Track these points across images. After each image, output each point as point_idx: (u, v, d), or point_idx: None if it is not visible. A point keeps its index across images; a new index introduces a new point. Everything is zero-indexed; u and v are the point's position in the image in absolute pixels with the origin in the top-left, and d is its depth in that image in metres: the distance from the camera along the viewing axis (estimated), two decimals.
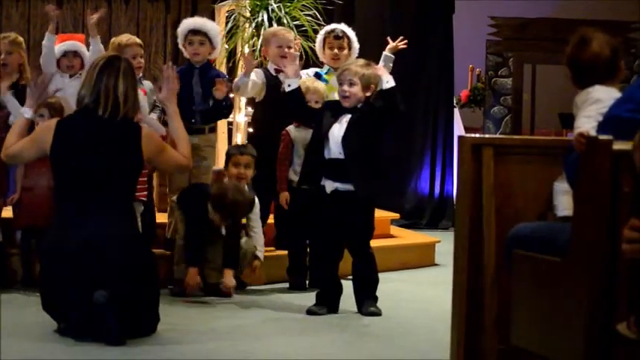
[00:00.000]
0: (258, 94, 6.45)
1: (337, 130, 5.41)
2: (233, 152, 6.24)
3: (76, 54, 6.56)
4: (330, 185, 5.43)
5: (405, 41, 6.59)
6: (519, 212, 3.85)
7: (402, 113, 5.56)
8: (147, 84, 6.67)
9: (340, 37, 6.56)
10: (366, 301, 5.46)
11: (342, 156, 5.38)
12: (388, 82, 5.45)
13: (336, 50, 6.55)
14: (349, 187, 5.38)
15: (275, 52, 6.48)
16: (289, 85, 5.55)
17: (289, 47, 6.42)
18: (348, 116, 5.42)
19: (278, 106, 6.21)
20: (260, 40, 7.21)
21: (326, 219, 5.44)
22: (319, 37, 6.66)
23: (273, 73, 6.47)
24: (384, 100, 5.43)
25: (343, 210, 5.39)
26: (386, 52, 6.53)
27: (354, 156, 5.37)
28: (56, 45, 6.61)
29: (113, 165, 4.72)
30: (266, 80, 6.42)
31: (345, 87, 5.43)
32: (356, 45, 6.63)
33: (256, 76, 6.39)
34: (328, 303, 5.48)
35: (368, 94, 5.47)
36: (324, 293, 5.51)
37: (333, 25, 6.72)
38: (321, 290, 5.54)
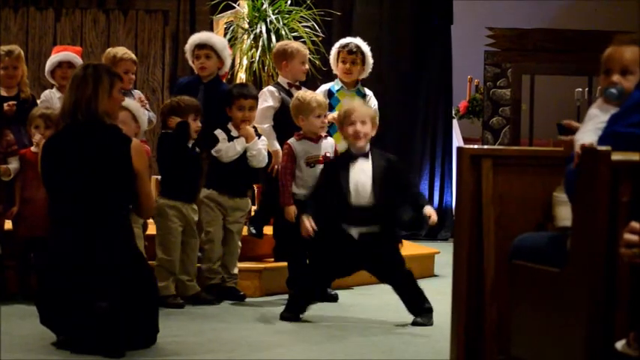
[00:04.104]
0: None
1: (359, 178, 5.45)
2: (237, 95, 6.19)
3: (70, 65, 6.57)
4: (355, 231, 5.44)
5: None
6: (518, 223, 3.85)
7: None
8: (136, 93, 6.67)
9: (354, 52, 6.63)
10: (420, 314, 5.53)
11: (368, 203, 5.41)
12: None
13: (348, 65, 6.59)
14: (375, 228, 5.43)
15: (298, 68, 6.54)
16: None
17: (307, 63, 6.62)
18: (364, 162, 5.48)
19: (286, 120, 6.24)
20: (259, 52, 7.25)
21: (352, 259, 5.50)
22: (334, 50, 6.73)
23: (286, 87, 6.52)
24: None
25: (372, 248, 5.45)
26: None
27: (383, 203, 5.42)
28: (52, 55, 6.67)
29: (103, 177, 4.71)
30: (280, 96, 6.46)
31: (359, 127, 5.47)
32: (370, 60, 6.67)
33: (272, 97, 6.46)
34: (300, 311, 5.56)
35: (374, 132, 5.59)
36: (301, 304, 5.57)
37: (348, 39, 6.76)
38: (300, 303, 5.58)
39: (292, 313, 5.56)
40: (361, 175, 5.45)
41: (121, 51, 6.61)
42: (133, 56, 6.65)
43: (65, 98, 4.88)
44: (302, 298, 5.60)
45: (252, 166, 6.22)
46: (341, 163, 5.57)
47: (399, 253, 5.58)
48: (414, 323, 5.47)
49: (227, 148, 6.12)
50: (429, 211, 5.44)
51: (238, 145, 6.13)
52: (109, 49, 6.72)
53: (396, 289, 5.58)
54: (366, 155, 5.50)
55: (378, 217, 5.43)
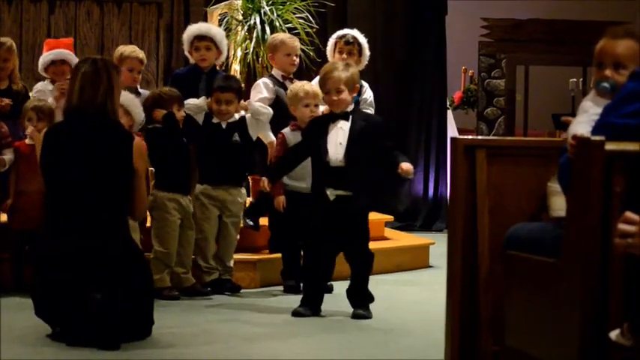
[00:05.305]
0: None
1: (337, 138, 5.43)
2: (215, 87, 6.16)
3: (63, 62, 6.57)
4: (332, 193, 5.43)
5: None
6: (513, 213, 3.85)
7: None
8: (145, 93, 6.66)
9: (351, 42, 6.65)
10: (358, 304, 5.49)
11: (342, 164, 5.39)
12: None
13: (345, 55, 6.60)
14: (350, 193, 5.40)
15: (284, 60, 6.57)
16: None
17: (296, 55, 6.62)
18: (344, 123, 5.45)
19: (281, 112, 6.24)
20: (253, 43, 7.23)
21: (329, 225, 5.44)
22: (331, 41, 6.74)
23: (280, 80, 6.56)
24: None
25: (346, 215, 5.40)
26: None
27: (357, 164, 5.38)
28: (44, 52, 6.66)
29: (103, 172, 4.71)
30: (274, 87, 6.49)
31: (334, 96, 5.45)
32: (367, 52, 6.69)
33: (267, 89, 6.49)
34: (314, 305, 5.49)
35: (354, 94, 5.57)
36: (313, 296, 5.52)
37: (345, 31, 6.79)
38: (310, 293, 5.54)
39: (307, 308, 5.48)
40: (340, 135, 5.44)
41: (129, 49, 6.61)
42: (141, 55, 6.59)
43: (73, 92, 4.83)
44: (309, 284, 5.57)
45: (262, 120, 6.20)
46: (322, 123, 5.55)
47: (365, 227, 5.50)
48: (354, 316, 5.43)
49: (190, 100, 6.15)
50: (403, 166, 5.32)
51: (199, 101, 6.15)
52: (118, 47, 6.73)
53: (351, 266, 5.54)
54: (346, 116, 5.49)
55: (351, 180, 5.38)
